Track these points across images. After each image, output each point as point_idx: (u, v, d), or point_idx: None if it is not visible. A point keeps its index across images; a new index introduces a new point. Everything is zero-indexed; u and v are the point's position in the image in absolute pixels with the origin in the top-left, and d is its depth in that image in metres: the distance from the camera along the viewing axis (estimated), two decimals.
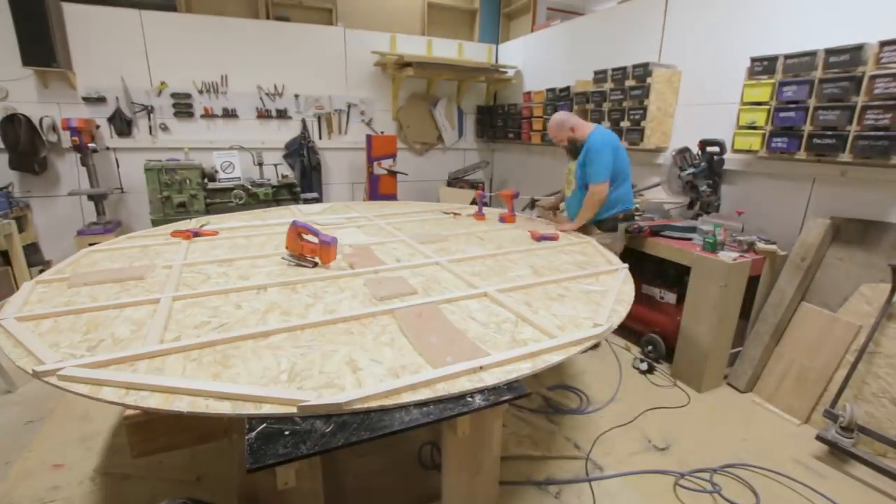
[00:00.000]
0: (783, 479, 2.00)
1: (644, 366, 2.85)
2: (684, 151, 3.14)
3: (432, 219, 3.37)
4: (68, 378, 1.19)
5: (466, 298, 1.83)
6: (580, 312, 1.73)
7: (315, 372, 1.28)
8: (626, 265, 2.29)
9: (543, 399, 2.55)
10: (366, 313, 1.65)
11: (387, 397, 1.18)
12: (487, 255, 2.40)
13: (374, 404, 1.15)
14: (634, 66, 3.44)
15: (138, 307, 1.68)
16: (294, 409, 1.11)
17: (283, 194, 4.61)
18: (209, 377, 1.23)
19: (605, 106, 3.75)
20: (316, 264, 2.15)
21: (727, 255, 2.52)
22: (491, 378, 1.28)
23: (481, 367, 1.31)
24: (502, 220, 3.28)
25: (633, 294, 1.96)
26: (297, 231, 2.16)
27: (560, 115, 2.97)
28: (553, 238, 2.77)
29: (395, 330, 1.55)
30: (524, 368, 1.33)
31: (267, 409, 1.11)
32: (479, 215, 3.44)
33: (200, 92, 4.63)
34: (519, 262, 2.33)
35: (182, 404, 1.11)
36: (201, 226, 2.90)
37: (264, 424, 1.08)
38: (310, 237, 2.16)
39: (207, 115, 4.68)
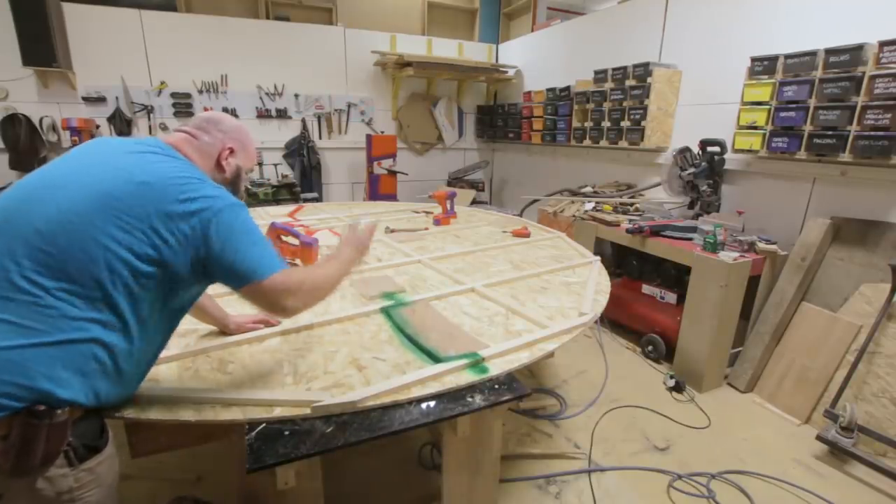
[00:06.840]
0: (784, 485, 1.99)
1: (672, 382, 2.66)
2: (685, 151, 3.13)
3: (405, 218, 3.34)
4: None
5: (455, 294, 1.86)
6: (564, 303, 1.80)
7: (320, 372, 1.28)
8: (598, 257, 2.37)
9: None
10: (359, 313, 1.66)
11: (398, 392, 1.18)
12: (466, 252, 2.45)
13: (387, 400, 1.16)
14: (635, 66, 3.44)
15: None
16: (308, 411, 1.10)
17: (282, 194, 4.60)
18: (211, 385, 1.21)
19: (606, 105, 3.74)
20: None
21: (727, 255, 2.52)
22: (495, 369, 1.30)
23: (484, 359, 1.33)
24: (437, 222, 3.10)
25: (609, 284, 2.03)
26: (277, 233, 2.10)
27: None
28: None
29: (391, 327, 1.56)
30: (523, 358, 1.37)
31: (279, 412, 1.10)
32: (445, 217, 3.14)
33: (200, 92, 4.62)
34: (497, 257, 2.40)
35: (188, 413, 1.08)
36: None
37: (263, 424, 1.08)
38: (290, 239, 2.11)
39: None
